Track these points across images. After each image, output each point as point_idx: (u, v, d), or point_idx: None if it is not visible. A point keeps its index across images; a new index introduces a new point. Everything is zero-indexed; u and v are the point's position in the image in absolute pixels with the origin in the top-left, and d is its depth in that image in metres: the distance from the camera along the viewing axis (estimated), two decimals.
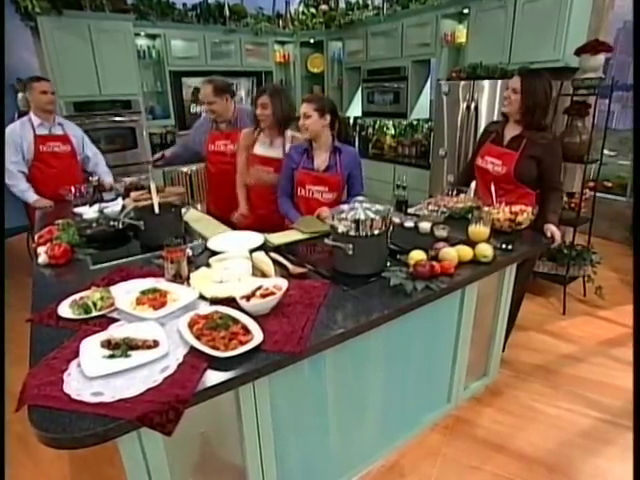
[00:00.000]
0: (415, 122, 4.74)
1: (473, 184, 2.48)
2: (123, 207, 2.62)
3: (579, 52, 2.92)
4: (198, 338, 1.17)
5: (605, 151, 5.35)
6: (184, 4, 4.71)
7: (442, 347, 1.89)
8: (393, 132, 5.05)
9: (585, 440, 2.03)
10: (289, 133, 2.46)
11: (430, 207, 2.14)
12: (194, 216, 2.50)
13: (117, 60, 4.11)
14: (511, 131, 2.20)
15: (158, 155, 3.17)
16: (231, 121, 2.84)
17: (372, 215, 1.53)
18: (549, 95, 2.08)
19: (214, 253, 1.82)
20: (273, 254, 1.78)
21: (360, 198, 1.64)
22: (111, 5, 4.05)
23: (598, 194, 4.70)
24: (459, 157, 3.45)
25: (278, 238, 1.99)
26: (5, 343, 1.99)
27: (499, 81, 3.17)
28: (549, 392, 2.33)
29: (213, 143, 2.87)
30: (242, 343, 1.15)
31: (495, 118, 3.13)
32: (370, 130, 5.31)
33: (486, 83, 3.23)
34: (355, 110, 5.26)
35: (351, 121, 5.52)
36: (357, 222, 1.50)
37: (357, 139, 5.36)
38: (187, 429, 1.28)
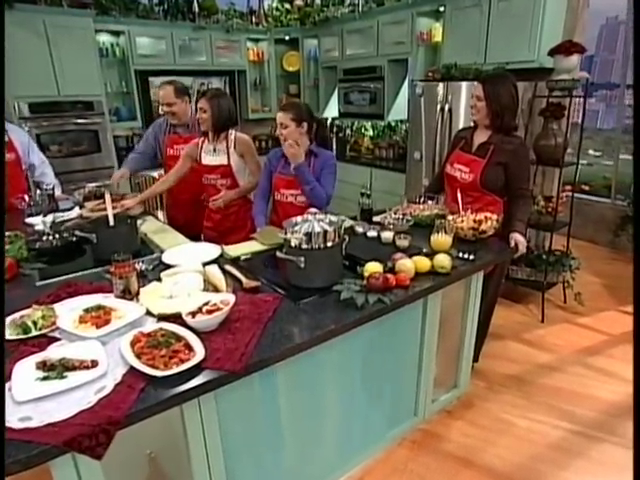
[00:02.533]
0: (393, 123, 4.84)
1: None
2: (81, 217, 2.66)
3: (553, 53, 3.05)
4: (138, 357, 1.22)
5: (590, 151, 5.56)
6: None
7: (406, 359, 1.96)
8: (371, 134, 5.15)
9: (555, 453, 2.11)
10: (233, 135, 2.58)
11: (395, 215, 2.21)
12: (153, 227, 2.54)
13: (77, 58, 4.11)
14: (480, 137, 2.30)
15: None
16: (189, 125, 2.93)
17: (326, 227, 1.60)
18: (515, 97, 2.19)
19: (169, 267, 1.86)
20: (228, 267, 1.84)
21: (313, 210, 1.71)
22: None
23: (583, 196, 4.90)
24: (434, 161, 3.54)
25: (236, 250, 2.04)
26: None
27: (475, 82, 3.27)
28: (522, 403, 2.41)
29: (172, 147, 2.94)
30: (182, 361, 1.20)
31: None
32: (348, 132, 5.41)
33: (463, 84, 3.34)
34: (332, 111, 5.34)
35: (328, 122, 5.61)
36: (309, 235, 1.56)
37: (334, 141, 5.44)
38: (132, 451, 1.33)
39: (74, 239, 2.17)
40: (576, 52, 2.98)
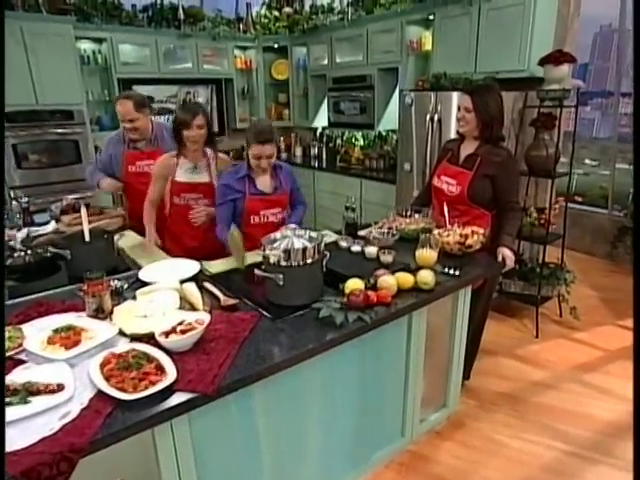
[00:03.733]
0: (384, 133, 4.90)
1: None
2: (56, 231, 2.67)
3: (542, 62, 3.12)
4: (107, 379, 1.23)
5: (586, 161, 5.66)
6: (133, 5, 4.81)
7: (391, 377, 1.97)
8: (362, 144, 5.21)
9: (549, 475, 2.12)
10: (210, 152, 2.52)
11: (381, 229, 2.24)
12: (133, 242, 2.54)
13: (56, 66, 4.14)
14: (467, 149, 2.34)
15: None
16: (151, 139, 2.87)
17: (305, 243, 1.62)
18: (501, 106, 2.24)
19: (146, 284, 1.88)
20: (207, 284, 1.85)
21: (292, 225, 1.74)
22: (48, 5, 4.10)
23: (579, 207, 4.97)
24: (424, 172, 3.59)
25: (216, 266, 2.06)
26: None
27: (460, 94, 3.33)
28: (514, 423, 2.43)
29: (133, 164, 2.86)
30: (153, 383, 1.21)
31: None
32: (338, 141, 5.47)
33: (453, 94, 3.39)
34: (322, 120, 5.41)
35: (318, 132, 5.68)
36: (287, 252, 1.59)
37: (324, 151, 5.50)
38: (101, 478, 1.32)
39: (48, 255, 2.17)
40: (566, 62, 3.05)
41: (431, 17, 3.91)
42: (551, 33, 3.41)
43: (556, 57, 3.05)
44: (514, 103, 3.28)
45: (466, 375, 2.62)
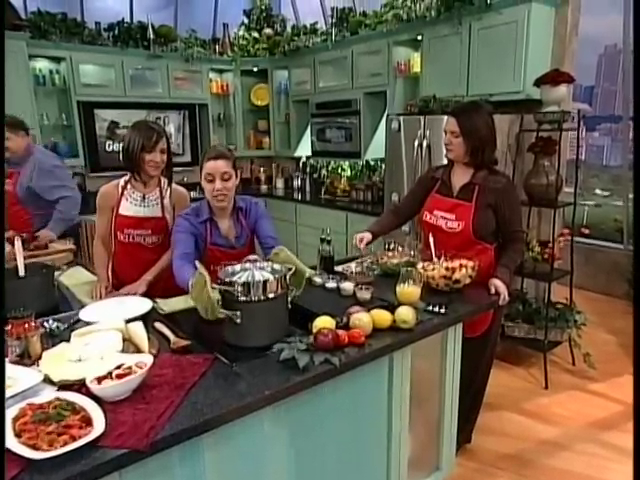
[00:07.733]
0: (372, 162, 4.99)
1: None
2: None
3: (539, 83, 3.23)
4: (19, 435, 1.16)
5: (597, 191, 5.76)
6: (97, 23, 4.95)
7: (371, 432, 1.89)
8: (349, 174, 5.30)
9: None
10: (164, 182, 2.44)
11: (361, 264, 2.23)
12: (79, 279, 2.51)
13: (6, 86, 4.18)
14: (460, 178, 2.30)
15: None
16: (18, 162, 3.14)
17: (267, 275, 1.60)
18: (492, 127, 2.24)
19: (89, 324, 1.82)
20: (158, 324, 1.81)
21: (252, 257, 1.73)
22: None
23: (593, 242, 5.01)
24: None
25: (171, 304, 2.02)
26: None
27: (446, 117, 3.41)
28: None
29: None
30: (74, 439, 1.14)
31: None
32: (323, 172, 5.55)
33: (444, 118, 3.46)
34: (305, 149, 5.51)
35: (301, 162, 5.77)
36: (246, 285, 1.56)
37: (307, 183, 5.58)
38: None
39: None
40: (564, 82, 3.16)
41: (419, 37, 4.07)
42: (548, 53, 3.55)
43: (553, 77, 3.16)
44: (510, 127, 3.36)
45: (466, 437, 2.55)
